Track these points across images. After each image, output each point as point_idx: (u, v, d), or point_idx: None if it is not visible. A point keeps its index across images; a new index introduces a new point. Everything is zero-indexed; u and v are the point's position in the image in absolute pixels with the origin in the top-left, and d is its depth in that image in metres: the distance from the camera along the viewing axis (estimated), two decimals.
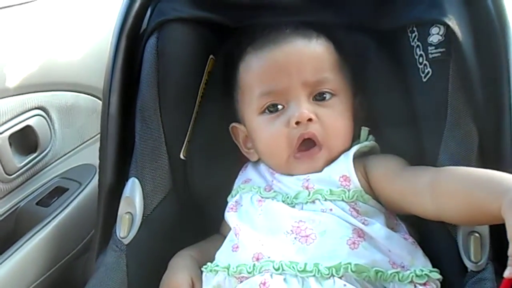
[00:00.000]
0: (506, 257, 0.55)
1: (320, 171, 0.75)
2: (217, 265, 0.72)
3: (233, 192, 0.82)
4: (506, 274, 0.54)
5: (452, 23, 0.70)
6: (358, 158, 0.75)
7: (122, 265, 0.78)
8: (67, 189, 0.96)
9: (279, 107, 0.76)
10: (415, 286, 0.66)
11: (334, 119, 0.76)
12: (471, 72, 0.70)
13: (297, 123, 0.74)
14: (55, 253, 0.91)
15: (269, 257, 0.69)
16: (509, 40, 0.70)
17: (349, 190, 0.72)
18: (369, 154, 0.78)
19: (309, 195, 0.74)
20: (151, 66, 0.81)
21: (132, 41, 0.82)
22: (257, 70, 0.77)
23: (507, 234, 0.55)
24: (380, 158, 0.77)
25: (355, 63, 0.80)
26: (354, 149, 0.76)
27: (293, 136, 0.75)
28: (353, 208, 0.72)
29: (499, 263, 0.64)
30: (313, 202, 0.73)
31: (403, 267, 0.68)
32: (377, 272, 0.66)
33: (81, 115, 1.02)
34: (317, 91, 0.76)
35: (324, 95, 0.76)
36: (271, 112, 0.77)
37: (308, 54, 0.76)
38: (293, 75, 0.75)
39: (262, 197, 0.77)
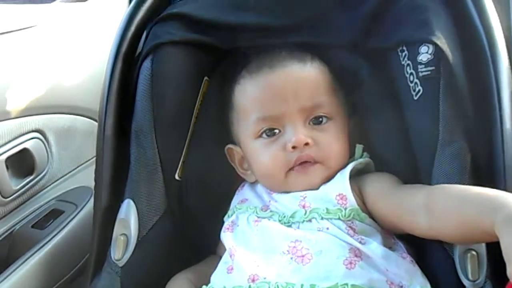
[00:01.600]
0: (505, 275, 0.54)
1: (317, 188, 0.75)
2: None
3: (229, 212, 0.82)
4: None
5: (441, 41, 0.72)
6: (353, 177, 0.76)
7: (117, 287, 0.77)
8: (63, 212, 0.96)
9: (276, 131, 0.77)
10: None
11: (330, 142, 0.76)
12: (461, 89, 0.71)
13: (294, 147, 0.75)
14: (50, 277, 0.91)
15: (265, 278, 0.68)
16: (498, 56, 0.71)
17: (345, 209, 0.72)
18: (364, 171, 0.78)
19: (305, 214, 0.73)
20: (145, 88, 0.82)
21: (127, 64, 0.83)
22: (253, 95, 0.78)
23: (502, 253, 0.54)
24: (374, 177, 0.77)
25: (348, 83, 0.81)
26: (350, 167, 0.76)
27: (290, 160, 0.75)
28: (350, 227, 0.71)
29: (497, 280, 0.64)
30: (310, 221, 0.73)
31: (401, 286, 0.67)
32: None
33: (78, 137, 1.02)
34: (313, 116, 0.77)
35: (320, 119, 0.77)
36: (268, 136, 0.77)
37: (304, 79, 0.77)
38: (289, 101, 0.75)
39: (258, 217, 0.77)
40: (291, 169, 0.76)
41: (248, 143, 0.80)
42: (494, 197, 0.60)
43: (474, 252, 0.66)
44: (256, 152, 0.78)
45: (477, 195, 0.63)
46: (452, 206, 0.65)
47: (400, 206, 0.70)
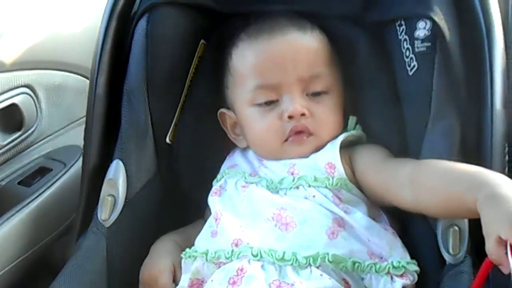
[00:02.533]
0: (484, 251, 0.56)
1: (307, 156, 0.76)
2: (195, 251, 0.73)
3: (218, 177, 0.82)
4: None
5: (439, 18, 0.71)
6: (345, 147, 0.76)
7: (102, 248, 0.77)
8: (51, 170, 0.95)
9: (273, 100, 0.76)
10: (391, 277, 0.67)
11: (327, 114, 0.77)
12: (455, 67, 0.71)
13: (290, 117, 0.74)
14: (35, 234, 0.90)
15: (248, 243, 0.69)
16: (494, 37, 0.71)
17: (333, 178, 0.73)
18: (356, 143, 0.79)
19: (293, 180, 0.74)
20: (140, 48, 0.81)
21: (122, 22, 0.82)
22: (251, 61, 0.77)
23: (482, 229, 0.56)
24: (365, 148, 0.78)
25: (345, 55, 0.81)
26: (341, 137, 0.76)
27: (285, 129, 0.76)
28: (336, 196, 0.72)
29: (477, 256, 0.65)
30: (297, 188, 0.74)
31: (381, 257, 0.69)
32: (354, 262, 0.67)
33: (69, 95, 1.00)
34: (312, 90, 0.76)
35: (319, 93, 0.77)
36: (265, 105, 0.77)
37: (304, 48, 0.77)
38: (288, 70, 0.75)
39: (246, 182, 0.77)
40: (286, 139, 0.76)
41: (243, 109, 0.79)
42: (479, 174, 0.61)
43: (456, 228, 0.67)
44: (251, 119, 0.78)
45: (462, 171, 0.64)
46: (437, 181, 0.66)
47: (388, 179, 0.71)
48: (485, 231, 0.56)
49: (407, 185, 0.68)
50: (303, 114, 0.75)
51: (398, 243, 0.71)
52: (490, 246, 0.55)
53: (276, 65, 0.75)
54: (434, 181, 0.66)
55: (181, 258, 0.74)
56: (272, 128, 0.76)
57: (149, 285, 0.75)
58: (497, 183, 0.58)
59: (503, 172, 0.69)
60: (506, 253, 0.53)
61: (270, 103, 0.77)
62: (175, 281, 0.74)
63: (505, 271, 0.54)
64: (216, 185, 0.80)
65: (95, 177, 0.81)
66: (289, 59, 0.75)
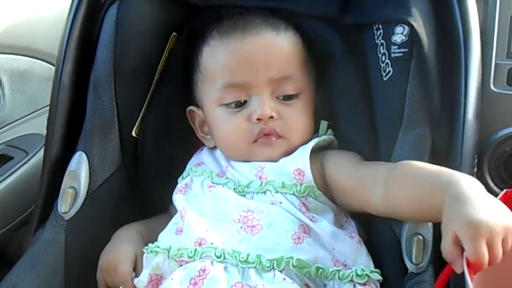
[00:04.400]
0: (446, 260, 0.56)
1: (277, 161, 0.74)
2: (157, 246, 0.71)
3: (184, 174, 0.80)
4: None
5: (417, 24, 0.71)
6: (316, 152, 0.75)
7: (61, 241, 0.75)
8: (12, 158, 0.92)
9: (242, 101, 0.75)
10: (354, 285, 0.66)
11: (296, 117, 0.75)
12: (430, 75, 0.71)
13: (258, 119, 0.73)
14: None
15: (212, 244, 0.68)
16: (471, 47, 0.70)
17: (301, 185, 0.72)
18: (327, 148, 0.78)
19: (261, 185, 0.73)
20: (109, 38, 0.78)
21: (91, 9, 0.79)
22: (222, 59, 0.76)
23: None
24: (336, 153, 0.77)
25: (320, 57, 0.80)
26: (313, 143, 0.75)
27: (253, 131, 0.74)
28: (303, 204, 0.71)
29: (439, 265, 0.65)
30: (264, 193, 0.72)
31: (345, 265, 0.68)
32: (318, 268, 0.66)
33: (35, 82, 0.97)
34: (282, 92, 0.75)
35: (289, 96, 0.75)
36: (234, 106, 0.75)
37: (276, 49, 0.75)
38: (259, 71, 0.73)
39: (213, 183, 0.76)
40: (254, 141, 0.74)
41: (211, 109, 0.77)
42: (448, 174, 0.62)
43: (420, 237, 0.67)
44: (219, 119, 0.76)
45: (433, 172, 0.64)
46: (407, 181, 0.66)
47: (359, 181, 0.71)
48: (443, 229, 0.56)
49: (379, 186, 0.68)
50: (271, 117, 0.73)
51: (363, 251, 0.70)
52: (446, 244, 0.55)
53: (247, 65, 0.74)
54: (404, 180, 0.66)
55: (143, 249, 0.72)
56: (240, 129, 0.75)
57: (107, 272, 0.73)
58: (464, 183, 0.58)
59: None
60: (462, 253, 0.53)
61: (238, 105, 0.75)
62: (136, 270, 0.72)
63: (457, 270, 0.54)
64: (181, 183, 0.79)
65: (56, 168, 0.79)
66: (260, 59, 0.74)
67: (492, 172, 0.81)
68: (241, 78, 0.74)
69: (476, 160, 0.72)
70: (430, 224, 0.68)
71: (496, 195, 0.60)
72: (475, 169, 0.72)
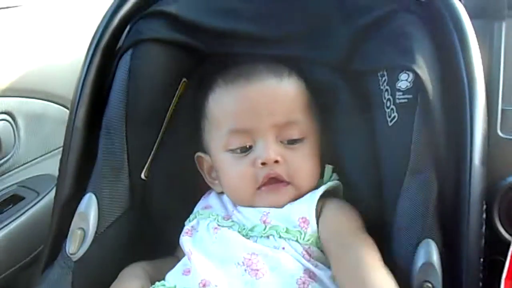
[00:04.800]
0: None
1: (282, 207, 0.74)
2: (163, 285, 0.71)
3: (191, 217, 0.81)
4: None
5: (421, 71, 0.71)
6: (320, 199, 0.75)
7: (67, 282, 0.76)
8: (24, 198, 0.94)
9: (247, 146, 0.76)
10: None
11: (301, 162, 0.76)
12: (435, 121, 0.71)
13: (263, 164, 0.74)
14: (1, 263, 0.88)
15: (216, 286, 0.67)
16: (476, 93, 0.71)
17: (305, 233, 0.71)
18: (332, 194, 0.77)
19: (264, 229, 0.72)
20: (122, 83, 0.81)
21: (106, 57, 0.82)
22: (226, 106, 0.77)
23: None
24: (337, 211, 0.75)
25: (324, 101, 0.81)
26: (320, 191, 0.75)
27: (258, 176, 0.75)
28: (306, 251, 0.71)
29: None
30: (267, 237, 0.72)
31: None
32: None
33: (49, 124, 1.00)
34: (287, 137, 0.76)
35: (294, 140, 0.76)
36: (240, 152, 0.76)
37: (280, 95, 0.76)
38: (263, 117, 0.75)
39: (218, 225, 0.76)
40: (259, 187, 0.75)
41: (218, 154, 0.79)
42: None
43: (429, 284, 0.66)
44: (225, 165, 0.78)
45: None
46: None
47: (335, 258, 0.69)
48: None
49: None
50: (276, 161, 0.74)
51: None
52: None
53: (251, 111, 0.75)
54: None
55: (149, 285, 0.72)
56: (246, 175, 0.75)
57: None
58: None
59: (479, 229, 0.69)
60: None
61: (244, 150, 0.76)
62: None
63: None
64: (188, 225, 0.79)
65: (66, 209, 0.80)
66: (264, 104, 0.75)
67: (502, 218, 0.79)
68: (245, 124, 0.75)
69: (485, 206, 0.71)
70: (439, 271, 0.66)
71: (506, 242, 0.59)
72: (484, 215, 0.71)
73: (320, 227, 0.73)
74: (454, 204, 0.70)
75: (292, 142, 0.76)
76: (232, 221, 0.76)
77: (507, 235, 0.78)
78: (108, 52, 0.82)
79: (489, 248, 0.71)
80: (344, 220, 0.74)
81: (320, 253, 0.72)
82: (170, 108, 0.84)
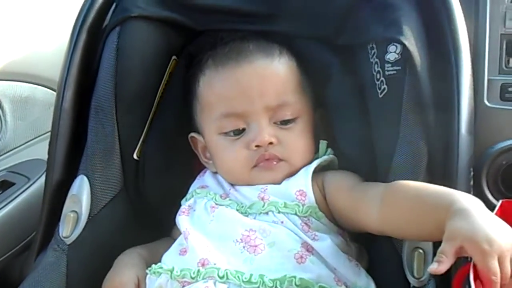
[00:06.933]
0: (448, 274, 0.56)
1: (279, 183, 0.75)
2: (161, 267, 0.71)
3: (187, 196, 0.81)
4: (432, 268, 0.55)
5: (409, 42, 0.72)
6: (317, 173, 0.76)
7: (62, 265, 0.76)
8: (14, 184, 0.93)
9: (240, 128, 0.76)
10: None
11: (295, 141, 0.76)
12: (423, 92, 0.72)
13: (257, 146, 0.74)
14: None
15: (215, 264, 0.68)
16: (462, 62, 0.72)
17: (303, 205, 0.72)
18: (327, 168, 0.78)
19: (263, 206, 0.73)
20: (109, 63, 0.80)
21: (92, 36, 0.81)
22: (217, 89, 0.77)
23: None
24: (337, 173, 0.78)
25: (316, 77, 0.81)
26: (314, 164, 0.76)
27: (253, 157, 0.75)
28: (305, 223, 0.72)
29: (441, 280, 0.65)
30: (266, 213, 0.73)
31: (347, 286, 0.68)
32: (321, 287, 0.66)
33: (37, 108, 0.98)
34: (280, 118, 0.76)
35: (287, 121, 0.76)
36: (233, 135, 0.76)
37: (271, 76, 0.76)
38: (255, 99, 0.74)
39: (216, 204, 0.76)
40: (254, 166, 0.75)
41: (211, 137, 0.79)
42: (450, 193, 0.62)
43: (421, 251, 0.68)
44: (219, 148, 0.78)
45: (434, 190, 0.65)
46: (409, 198, 0.66)
47: (357, 200, 0.71)
48: (448, 236, 0.56)
49: (377, 204, 0.68)
50: (270, 143, 0.74)
51: (362, 273, 0.71)
52: (447, 250, 0.55)
53: (242, 94, 0.75)
54: (405, 198, 0.66)
55: (146, 272, 0.72)
56: (240, 157, 0.76)
57: None
58: (467, 201, 0.59)
59: None
60: (469, 275, 0.53)
61: (237, 133, 0.76)
62: None
63: (439, 272, 0.55)
64: (184, 205, 0.79)
65: (58, 193, 0.79)
66: (255, 88, 0.75)
67: (490, 184, 0.81)
68: (237, 107, 0.75)
69: (472, 173, 0.73)
70: None
71: (494, 206, 0.61)
72: (471, 182, 0.73)
73: (327, 190, 0.74)
74: (442, 172, 0.71)
75: (285, 122, 0.76)
76: (230, 199, 0.76)
77: (494, 200, 0.80)
78: (94, 31, 0.81)
79: None
80: (348, 174, 0.76)
81: (319, 224, 0.72)
82: (160, 87, 0.83)
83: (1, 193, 0.91)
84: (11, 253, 0.91)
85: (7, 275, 0.91)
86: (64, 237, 0.76)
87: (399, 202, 0.66)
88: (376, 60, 0.76)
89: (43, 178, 0.90)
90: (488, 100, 0.83)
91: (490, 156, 0.81)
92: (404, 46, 0.72)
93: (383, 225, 0.67)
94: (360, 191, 0.72)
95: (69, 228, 0.77)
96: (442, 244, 0.56)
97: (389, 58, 0.74)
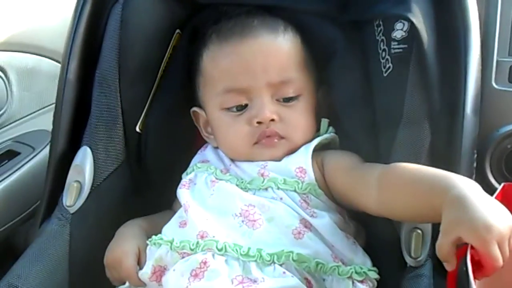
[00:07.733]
0: None
1: (279, 160, 0.75)
2: (161, 238, 0.72)
3: (188, 170, 0.81)
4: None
5: (417, 20, 0.71)
6: (318, 151, 0.76)
7: (65, 234, 0.77)
8: (19, 153, 0.94)
9: (242, 104, 0.75)
10: (353, 282, 0.67)
11: (297, 118, 0.76)
12: (429, 71, 0.71)
13: (259, 122, 0.74)
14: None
15: (213, 237, 0.69)
16: (471, 44, 0.71)
17: (303, 182, 0.72)
18: (328, 147, 0.78)
19: (263, 182, 0.73)
20: (113, 35, 0.79)
21: (97, 7, 0.81)
22: (221, 64, 0.76)
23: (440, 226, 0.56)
24: (337, 152, 0.78)
25: (320, 54, 0.80)
26: (315, 142, 0.76)
27: (254, 134, 0.75)
28: (304, 200, 0.72)
29: (438, 260, 0.63)
30: (266, 189, 0.73)
31: (343, 263, 0.69)
32: (317, 263, 0.67)
33: (42, 79, 0.99)
34: (282, 95, 0.75)
35: (289, 98, 0.76)
36: (236, 110, 0.76)
37: (275, 52, 0.75)
38: (258, 75, 0.74)
39: (216, 178, 0.76)
40: (255, 143, 0.75)
41: (213, 112, 0.78)
42: (447, 177, 0.61)
43: (419, 231, 0.68)
44: (221, 123, 0.78)
45: (431, 174, 0.64)
46: (404, 183, 0.65)
47: (356, 180, 0.71)
48: (444, 228, 0.55)
49: (375, 186, 0.67)
50: (272, 120, 0.74)
51: (359, 251, 0.71)
52: (445, 243, 0.55)
53: (246, 69, 0.74)
54: (401, 181, 0.66)
55: (146, 243, 0.74)
56: (241, 133, 0.76)
57: (113, 267, 0.74)
58: (465, 186, 0.58)
59: (470, 178, 0.69)
60: (466, 257, 0.53)
61: (240, 108, 0.76)
62: (140, 264, 0.73)
63: (449, 268, 0.55)
64: (185, 178, 0.79)
65: (62, 163, 0.80)
66: (258, 63, 0.74)
67: (493, 168, 0.81)
68: (240, 82, 0.75)
69: (476, 155, 0.72)
70: None
71: (495, 190, 0.60)
72: (475, 164, 0.72)
73: (326, 168, 0.74)
74: (446, 153, 0.70)
75: (287, 99, 0.76)
76: (230, 174, 0.77)
77: (497, 184, 0.79)
78: (98, 2, 0.81)
79: None
80: (348, 154, 0.76)
81: (318, 201, 0.73)
82: (164, 60, 0.83)
83: (7, 162, 0.93)
84: (16, 221, 0.93)
85: (12, 242, 0.92)
86: (68, 206, 0.78)
87: (395, 186, 0.66)
88: (382, 37, 0.74)
89: (47, 149, 0.91)
90: (495, 82, 0.82)
91: (495, 140, 0.80)
92: (411, 23, 0.71)
93: (380, 207, 0.67)
94: (359, 172, 0.72)
95: (72, 198, 0.78)
96: (439, 237, 0.55)
97: (395, 36, 0.73)
